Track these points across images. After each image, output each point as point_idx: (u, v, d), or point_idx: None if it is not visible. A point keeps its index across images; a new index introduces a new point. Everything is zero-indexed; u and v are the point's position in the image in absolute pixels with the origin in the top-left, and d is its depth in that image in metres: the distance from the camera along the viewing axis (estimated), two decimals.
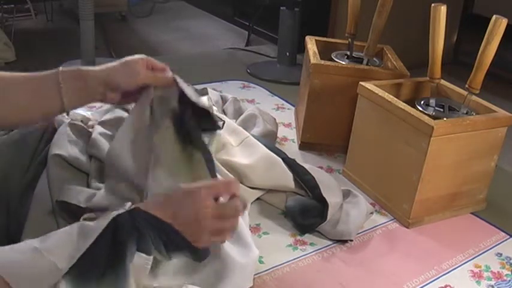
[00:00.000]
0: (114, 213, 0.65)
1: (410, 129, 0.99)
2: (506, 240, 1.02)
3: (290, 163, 1.03)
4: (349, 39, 1.32)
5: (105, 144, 0.92)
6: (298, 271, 0.88)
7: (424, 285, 0.87)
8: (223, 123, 0.96)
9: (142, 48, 2.45)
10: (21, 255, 0.59)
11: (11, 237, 0.77)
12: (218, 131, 0.91)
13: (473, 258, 0.95)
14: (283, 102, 1.58)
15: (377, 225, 1.02)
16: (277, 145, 1.25)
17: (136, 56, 0.82)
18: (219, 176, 0.85)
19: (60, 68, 0.78)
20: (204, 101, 0.88)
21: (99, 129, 0.97)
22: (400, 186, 1.03)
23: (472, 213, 1.09)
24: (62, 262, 0.59)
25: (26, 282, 0.57)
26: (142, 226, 0.65)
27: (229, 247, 0.81)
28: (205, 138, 0.87)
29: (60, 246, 0.61)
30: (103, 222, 0.63)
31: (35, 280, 0.58)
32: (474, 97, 1.06)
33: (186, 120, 0.82)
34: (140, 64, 0.81)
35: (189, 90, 0.85)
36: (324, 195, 0.97)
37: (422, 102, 1.09)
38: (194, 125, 0.83)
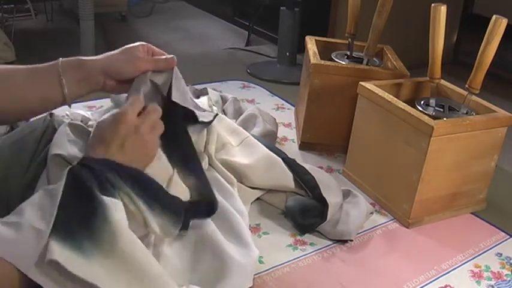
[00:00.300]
0: (67, 168, 0.67)
1: (410, 129, 0.99)
2: (506, 240, 1.02)
3: (290, 163, 1.03)
4: (349, 39, 1.32)
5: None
6: (298, 271, 0.88)
7: (424, 285, 0.87)
8: (215, 116, 0.96)
9: None
10: (6, 232, 0.61)
11: None
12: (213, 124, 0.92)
13: (473, 258, 0.95)
14: (283, 102, 1.58)
15: (377, 225, 1.02)
16: (277, 145, 1.25)
17: (137, 43, 0.83)
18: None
19: (60, 59, 0.79)
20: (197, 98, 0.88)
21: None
22: (400, 186, 1.03)
23: (472, 213, 1.09)
24: (43, 225, 0.61)
25: (18, 254, 0.59)
26: (96, 170, 0.68)
27: (229, 247, 0.81)
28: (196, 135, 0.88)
29: (34, 213, 0.63)
30: (61, 180, 0.66)
31: (25, 249, 0.60)
32: (474, 97, 1.06)
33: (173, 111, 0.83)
34: (140, 49, 0.82)
35: (178, 86, 0.85)
36: (324, 195, 0.97)
37: (422, 102, 1.09)
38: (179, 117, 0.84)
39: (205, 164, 0.96)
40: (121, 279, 0.64)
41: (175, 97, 0.85)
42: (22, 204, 0.65)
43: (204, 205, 0.82)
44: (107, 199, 0.67)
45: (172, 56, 0.86)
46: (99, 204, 0.65)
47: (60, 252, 0.60)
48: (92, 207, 0.65)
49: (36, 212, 0.63)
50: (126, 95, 0.87)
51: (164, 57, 0.85)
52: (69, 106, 0.82)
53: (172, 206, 0.76)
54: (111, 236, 0.64)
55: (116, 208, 0.67)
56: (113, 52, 0.82)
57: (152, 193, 0.74)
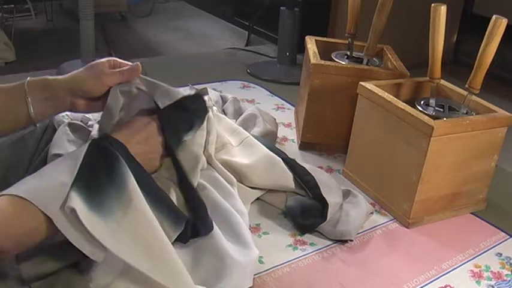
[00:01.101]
0: (90, 140, 0.72)
1: (410, 129, 0.99)
2: (506, 240, 1.02)
3: (290, 163, 1.03)
4: (349, 39, 1.32)
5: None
6: (298, 271, 0.88)
7: (424, 285, 0.87)
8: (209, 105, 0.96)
9: (142, 48, 2.45)
10: (32, 180, 0.67)
11: None
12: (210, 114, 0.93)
13: (473, 258, 0.95)
14: (283, 102, 1.58)
15: (377, 225, 1.02)
16: (277, 145, 1.25)
17: (103, 59, 0.84)
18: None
19: (28, 79, 0.80)
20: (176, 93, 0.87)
21: (98, 127, 0.97)
22: (400, 186, 1.03)
23: (472, 213, 1.09)
24: (66, 177, 0.66)
25: (44, 199, 0.64)
26: (116, 146, 0.72)
27: (229, 247, 0.81)
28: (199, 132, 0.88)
29: (58, 168, 0.68)
30: (84, 145, 0.71)
31: (50, 196, 0.64)
32: (474, 97, 1.06)
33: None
34: (105, 65, 0.83)
35: (150, 87, 0.85)
36: (324, 195, 0.97)
37: (422, 102, 1.09)
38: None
39: (204, 164, 0.96)
40: (131, 241, 0.67)
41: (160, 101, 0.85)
42: (46, 166, 0.71)
43: (202, 224, 0.83)
44: (124, 162, 0.71)
45: (136, 63, 0.86)
46: (121, 163, 0.70)
47: (79, 203, 0.64)
48: (114, 166, 0.69)
49: (59, 167, 0.68)
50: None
51: (128, 67, 0.84)
52: (35, 126, 0.82)
53: (173, 212, 0.77)
54: (129, 193, 0.68)
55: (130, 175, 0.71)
56: (79, 70, 0.82)
57: (156, 193, 0.75)
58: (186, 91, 0.90)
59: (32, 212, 0.63)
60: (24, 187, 0.65)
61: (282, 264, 0.89)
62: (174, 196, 0.85)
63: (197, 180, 0.92)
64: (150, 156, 0.81)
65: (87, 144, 0.70)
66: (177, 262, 0.71)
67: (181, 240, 0.81)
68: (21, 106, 0.78)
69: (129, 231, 0.67)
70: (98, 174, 0.68)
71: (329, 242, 0.95)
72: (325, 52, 1.32)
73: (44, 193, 0.64)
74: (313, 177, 1.01)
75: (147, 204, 0.71)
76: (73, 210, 0.63)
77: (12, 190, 0.64)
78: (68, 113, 1.10)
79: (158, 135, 0.81)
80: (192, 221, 0.80)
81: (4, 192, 0.64)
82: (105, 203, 0.66)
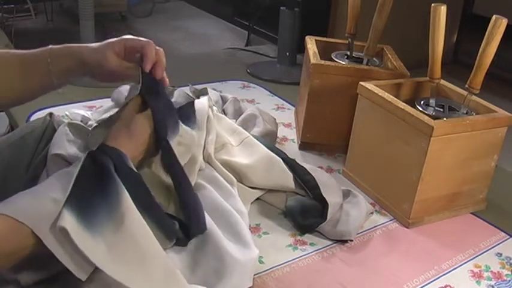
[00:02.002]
0: (87, 152, 0.72)
1: (410, 129, 0.99)
2: (506, 240, 1.02)
3: (290, 163, 1.03)
4: (349, 39, 1.32)
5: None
6: (298, 271, 0.88)
7: (424, 285, 0.87)
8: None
9: None
10: (25, 197, 0.66)
11: None
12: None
13: (473, 258, 0.95)
14: (283, 102, 1.58)
15: (377, 225, 1.02)
16: (277, 145, 1.25)
17: (115, 40, 0.84)
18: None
19: (50, 46, 0.81)
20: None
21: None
22: (400, 186, 1.03)
23: (472, 213, 1.09)
24: (59, 194, 0.65)
25: (34, 218, 0.63)
26: (113, 157, 0.73)
27: (229, 246, 0.81)
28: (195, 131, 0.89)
29: (52, 186, 0.68)
30: (79, 161, 0.70)
31: (41, 215, 0.64)
32: (474, 97, 1.06)
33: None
34: (112, 51, 0.83)
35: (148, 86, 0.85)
36: (324, 195, 0.97)
37: (422, 102, 1.09)
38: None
39: (202, 165, 0.96)
40: (121, 260, 0.66)
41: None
42: (40, 183, 0.71)
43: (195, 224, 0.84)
44: (118, 179, 0.71)
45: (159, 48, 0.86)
46: (115, 181, 0.70)
47: (70, 222, 0.63)
48: (108, 182, 0.69)
49: (52, 185, 0.67)
50: (126, 94, 0.87)
51: (133, 66, 0.85)
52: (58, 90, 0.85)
53: (165, 223, 0.79)
54: (122, 211, 0.68)
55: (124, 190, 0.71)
56: (96, 44, 0.84)
57: (150, 206, 0.76)
58: (186, 91, 0.91)
59: (22, 231, 0.62)
60: (16, 205, 0.64)
61: (282, 264, 0.89)
62: (170, 196, 0.85)
63: (194, 180, 0.92)
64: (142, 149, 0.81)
65: (82, 159, 0.70)
66: (173, 279, 0.71)
67: (179, 244, 0.82)
68: (43, 74, 0.80)
69: (120, 251, 0.66)
70: (92, 192, 0.68)
71: (329, 242, 0.95)
72: (325, 52, 1.32)
73: (35, 211, 0.64)
74: (313, 177, 1.01)
75: (142, 217, 0.71)
76: (63, 229, 0.62)
77: (3, 208, 0.63)
78: (67, 113, 1.10)
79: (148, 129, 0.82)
80: (185, 222, 0.81)
81: None
82: (97, 222, 0.66)
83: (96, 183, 0.69)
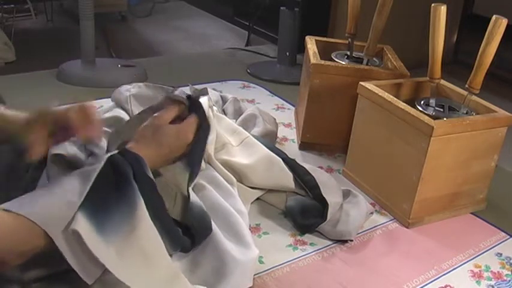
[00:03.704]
0: (108, 154, 0.72)
1: (410, 129, 0.99)
2: (506, 240, 1.02)
3: (290, 163, 1.03)
4: (349, 39, 1.32)
5: (103, 141, 0.92)
6: (298, 271, 0.88)
7: (424, 285, 0.87)
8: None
9: (142, 48, 2.45)
10: (43, 199, 0.66)
11: None
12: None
13: (473, 258, 0.95)
14: (283, 102, 1.58)
15: (377, 225, 1.02)
16: (277, 145, 1.25)
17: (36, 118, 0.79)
18: None
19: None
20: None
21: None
22: (400, 186, 1.03)
23: (472, 213, 1.09)
24: (75, 197, 0.66)
25: (48, 219, 0.64)
26: (132, 162, 0.73)
27: (229, 246, 0.81)
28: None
29: (68, 187, 0.68)
30: (99, 164, 0.70)
31: (55, 216, 0.64)
32: (474, 97, 1.06)
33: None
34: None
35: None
36: (324, 195, 0.97)
37: (422, 102, 1.09)
38: None
39: (203, 164, 0.96)
40: (129, 264, 0.67)
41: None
42: (58, 180, 0.71)
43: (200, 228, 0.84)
44: (136, 187, 0.71)
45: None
46: (132, 188, 0.70)
47: (83, 226, 0.64)
48: (125, 190, 0.70)
49: (69, 186, 0.68)
50: (126, 94, 0.86)
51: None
52: None
53: (173, 232, 0.79)
54: (137, 219, 0.69)
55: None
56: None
57: (162, 214, 0.77)
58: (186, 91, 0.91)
59: (35, 231, 0.63)
60: (31, 205, 0.65)
61: (282, 264, 0.89)
62: (179, 204, 0.85)
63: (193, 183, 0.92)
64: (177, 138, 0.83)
65: (102, 162, 0.70)
66: (178, 283, 0.72)
67: (182, 251, 0.82)
68: None
69: (129, 255, 0.67)
70: (108, 198, 0.69)
71: (329, 242, 0.95)
72: (325, 52, 1.32)
73: (49, 212, 0.65)
74: (313, 177, 1.01)
75: (154, 225, 0.71)
76: (76, 232, 0.63)
77: (18, 207, 0.64)
78: None
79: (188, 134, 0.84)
80: (191, 230, 0.82)
81: (9, 207, 0.64)
82: (110, 227, 0.67)
83: (113, 189, 0.70)
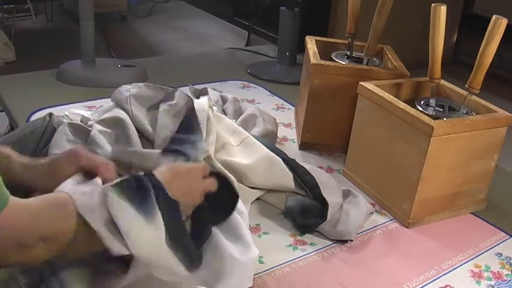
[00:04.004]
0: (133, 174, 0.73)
1: (410, 129, 0.99)
2: (506, 240, 1.02)
3: (290, 163, 1.03)
4: (349, 39, 1.32)
5: (103, 141, 0.92)
6: (298, 271, 0.88)
7: (424, 285, 0.87)
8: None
9: (142, 48, 2.45)
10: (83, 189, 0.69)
11: None
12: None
13: (473, 258, 0.95)
14: (283, 102, 1.58)
15: (377, 225, 1.02)
16: (277, 145, 1.25)
17: (64, 157, 0.80)
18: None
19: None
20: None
21: (98, 127, 0.98)
22: (400, 186, 1.03)
23: (472, 213, 1.09)
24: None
25: (91, 211, 0.65)
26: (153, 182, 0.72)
27: (229, 246, 0.81)
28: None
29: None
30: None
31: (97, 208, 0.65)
32: (474, 97, 1.06)
33: None
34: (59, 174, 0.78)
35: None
36: (324, 195, 0.97)
37: (422, 102, 1.09)
38: None
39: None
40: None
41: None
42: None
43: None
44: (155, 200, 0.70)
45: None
46: (151, 199, 0.69)
47: (111, 196, 0.66)
48: (144, 198, 0.69)
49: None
50: (126, 94, 0.86)
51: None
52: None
53: (193, 251, 0.78)
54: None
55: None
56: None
57: (180, 230, 0.75)
58: (187, 91, 0.91)
59: (66, 213, 0.63)
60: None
61: (282, 264, 0.89)
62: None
63: None
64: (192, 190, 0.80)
65: (126, 176, 0.71)
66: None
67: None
68: None
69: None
70: (131, 196, 0.68)
71: (329, 242, 0.95)
72: (325, 52, 1.32)
73: (93, 202, 0.66)
74: (313, 177, 1.01)
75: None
76: (105, 195, 0.65)
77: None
78: (67, 113, 1.10)
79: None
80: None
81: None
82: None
83: (133, 193, 0.69)
